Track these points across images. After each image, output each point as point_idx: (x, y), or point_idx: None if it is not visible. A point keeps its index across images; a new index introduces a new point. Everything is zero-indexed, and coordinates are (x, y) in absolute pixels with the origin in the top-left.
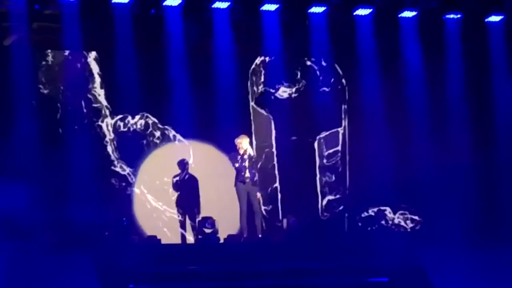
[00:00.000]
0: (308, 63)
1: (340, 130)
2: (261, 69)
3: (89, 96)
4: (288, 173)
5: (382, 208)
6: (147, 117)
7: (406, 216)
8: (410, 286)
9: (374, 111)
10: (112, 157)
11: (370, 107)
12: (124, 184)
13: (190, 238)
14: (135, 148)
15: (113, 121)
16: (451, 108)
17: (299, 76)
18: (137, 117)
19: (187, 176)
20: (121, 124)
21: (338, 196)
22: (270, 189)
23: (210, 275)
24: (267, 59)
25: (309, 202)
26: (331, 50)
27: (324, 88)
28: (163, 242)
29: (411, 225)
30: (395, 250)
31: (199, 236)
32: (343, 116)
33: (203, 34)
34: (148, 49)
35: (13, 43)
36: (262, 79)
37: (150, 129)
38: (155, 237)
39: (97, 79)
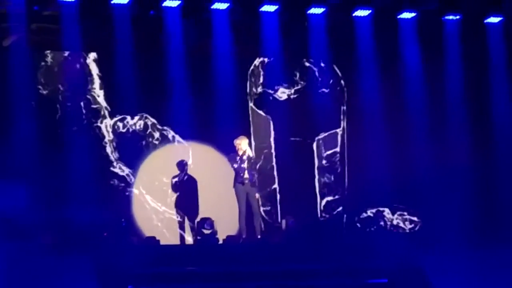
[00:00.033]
0: (307, 64)
1: (339, 131)
2: (260, 70)
3: (88, 97)
4: (287, 174)
5: (381, 209)
6: (146, 118)
7: (404, 217)
8: (409, 287)
9: (373, 112)
10: (111, 158)
11: (369, 108)
12: (123, 185)
13: (189, 239)
14: (134, 149)
15: (112, 122)
16: (450, 109)
17: (298, 77)
18: (136, 118)
19: (186, 177)
20: (120, 125)
21: (337, 197)
22: (269, 190)
23: (209, 276)
24: (266, 60)
25: (308, 203)
26: (330, 51)
27: (323, 89)
28: (162, 243)
29: (409, 226)
30: (394, 251)
31: (198, 237)
32: (342, 117)
33: (202, 35)
34: (147, 50)
35: (12, 44)
36: (261, 80)
37: (149, 130)
38: (154, 238)
39: (96, 80)
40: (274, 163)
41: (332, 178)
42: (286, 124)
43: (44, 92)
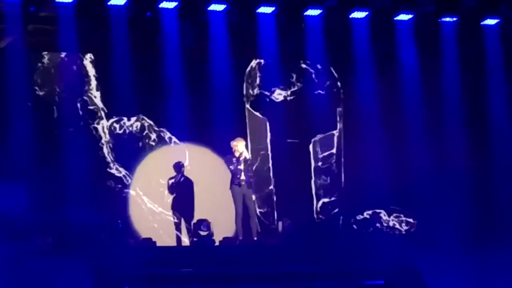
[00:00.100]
0: (304, 66)
1: (335, 132)
2: (257, 71)
3: (85, 98)
4: (283, 175)
5: (377, 210)
6: (143, 119)
7: (400, 218)
8: None
9: (369, 114)
10: (108, 159)
11: (366, 110)
12: (119, 186)
13: (186, 240)
14: (131, 150)
15: (109, 123)
16: (446, 111)
17: (294, 78)
18: (133, 119)
19: (182, 179)
20: (117, 126)
21: (333, 198)
22: (265, 191)
23: (205, 277)
24: (262, 61)
25: (304, 204)
26: (327, 53)
27: (320, 91)
28: (158, 244)
29: (405, 227)
30: (390, 252)
31: (195, 239)
32: (338, 119)
33: (199, 37)
34: (144, 51)
35: (8, 45)
36: (258, 82)
37: (146, 131)
38: (150, 239)
39: (93, 81)
40: (270, 165)
41: (329, 180)
42: (282, 126)
43: (41, 93)
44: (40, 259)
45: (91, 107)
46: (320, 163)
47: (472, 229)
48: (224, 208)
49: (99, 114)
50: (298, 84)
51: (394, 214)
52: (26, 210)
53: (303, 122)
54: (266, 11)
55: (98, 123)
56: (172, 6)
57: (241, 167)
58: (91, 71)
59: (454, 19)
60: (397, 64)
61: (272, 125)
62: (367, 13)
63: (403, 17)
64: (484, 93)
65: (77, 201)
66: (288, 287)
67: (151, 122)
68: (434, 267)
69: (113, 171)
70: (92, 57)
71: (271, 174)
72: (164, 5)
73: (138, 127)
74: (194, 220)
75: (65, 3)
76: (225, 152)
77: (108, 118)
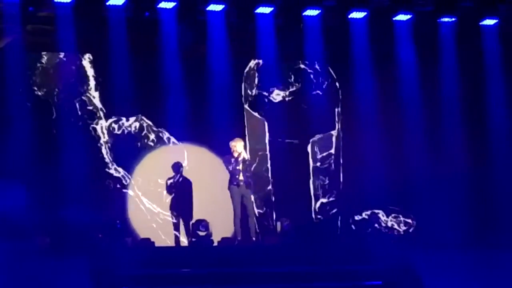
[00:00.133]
0: (302, 66)
1: (334, 133)
2: (255, 72)
3: (84, 98)
4: (281, 176)
5: (376, 211)
6: (141, 119)
7: (399, 219)
8: None
9: (367, 114)
10: (107, 159)
11: (364, 110)
12: (118, 186)
13: (184, 241)
14: (129, 150)
15: (107, 123)
16: (445, 111)
17: (293, 79)
18: (132, 119)
19: (181, 179)
20: (116, 126)
21: (331, 199)
22: (263, 192)
23: (204, 277)
24: (261, 62)
25: (303, 205)
26: (325, 53)
27: (318, 91)
28: (156, 244)
29: (404, 228)
30: (389, 253)
31: (193, 239)
32: (336, 119)
33: (198, 37)
34: (142, 51)
35: (7, 45)
36: (256, 82)
37: (145, 131)
38: (148, 239)
39: (92, 81)
40: (269, 165)
41: (327, 180)
42: (281, 126)
43: (40, 93)
44: (39, 258)
45: (90, 107)
46: (318, 163)
47: (470, 230)
48: (222, 209)
49: (98, 114)
50: (297, 84)
51: (393, 215)
52: (25, 210)
53: (301, 122)
54: (264, 11)
55: (97, 123)
56: (171, 6)
57: (240, 167)
58: (90, 71)
59: (453, 19)
60: (395, 64)
61: (271, 125)
62: (365, 13)
63: (402, 17)
64: (483, 93)
65: (76, 201)
66: (287, 287)
67: (150, 122)
68: (433, 267)
69: (112, 171)
70: (91, 57)
71: (270, 175)
72: (162, 5)
73: (137, 127)
74: (193, 221)
75: (64, 3)
76: (224, 152)
77: (107, 118)
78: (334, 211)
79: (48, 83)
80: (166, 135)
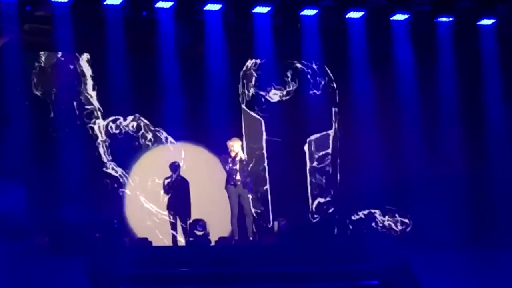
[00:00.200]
0: (299, 65)
1: (331, 132)
2: (252, 71)
3: (81, 97)
4: (278, 175)
5: (372, 210)
6: (139, 119)
7: (396, 218)
8: None
9: (364, 114)
10: (104, 159)
11: (361, 110)
12: (116, 185)
13: (181, 240)
14: (127, 149)
15: (105, 123)
16: (442, 111)
17: (290, 78)
18: (129, 119)
19: (178, 179)
20: (113, 126)
21: (328, 198)
22: (260, 191)
23: (201, 277)
24: (258, 61)
25: (300, 204)
26: (323, 53)
27: (315, 91)
28: (154, 244)
29: (400, 227)
30: (386, 252)
31: (190, 238)
32: (333, 118)
33: (195, 36)
34: (140, 51)
35: (5, 44)
36: (253, 82)
37: (142, 131)
38: (146, 239)
39: (89, 81)
40: (266, 165)
41: (324, 180)
42: (278, 126)
43: (37, 92)
44: (36, 258)
45: (88, 107)
46: (315, 163)
47: (467, 229)
48: (219, 208)
49: (95, 114)
50: (294, 84)
51: (389, 214)
52: (22, 209)
53: (298, 122)
54: (262, 11)
55: (94, 123)
56: (168, 6)
57: (237, 167)
58: (88, 70)
59: (450, 19)
60: (393, 64)
61: (268, 125)
62: (363, 13)
63: (399, 17)
64: (480, 93)
65: (73, 201)
66: (284, 287)
67: (147, 122)
68: (429, 267)
69: (109, 170)
70: (89, 56)
71: (267, 174)
72: (160, 4)
73: (134, 126)
74: (190, 220)
75: (61, 2)
76: (221, 152)
77: (104, 118)
78: (331, 210)
79: (46, 83)
80: (163, 134)
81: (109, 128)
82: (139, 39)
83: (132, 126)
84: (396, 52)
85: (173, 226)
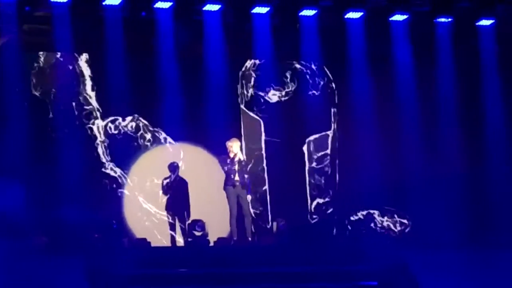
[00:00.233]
0: (298, 66)
1: (330, 133)
2: (252, 72)
3: (80, 98)
4: (277, 176)
5: (371, 211)
6: (138, 119)
7: (394, 219)
8: None
9: (363, 115)
10: (103, 159)
11: (360, 110)
12: (114, 186)
13: (180, 241)
14: (126, 150)
15: (104, 123)
16: (441, 111)
17: (289, 79)
18: (128, 119)
19: (177, 179)
20: (112, 126)
21: (327, 199)
22: (259, 192)
23: (200, 277)
24: (257, 62)
25: (298, 205)
26: (322, 53)
27: (314, 92)
28: (153, 244)
29: (399, 228)
30: (384, 253)
31: (189, 239)
32: (332, 119)
33: (194, 37)
34: (139, 51)
35: (4, 45)
36: (252, 82)
37: (141, 131)
38: (145, 239)
39: (88, 81)
40: (264, 165)
41: (323, 180)
42: (276, 126)
43: (36, 93)
44: (35, 258)
45: (87, 107)
46: (314, 164)
47: (465, 230)
48: (218, 209)
49: (94, 114)
50: (293, 84)
51: (388, 215)
52: (21, 209)
53: (297, 122)
54: (261, 12)
55: (93, 123)
56: (167, 6)
57: (235, 167)
58: (87, 71)
59: (449, 19)
60: (392, 64)
61: (267, 125)
62: (362, 13)
63: (398, 17)
64: (479, 94)
65: (72, 201)
66: None
67: (146, 122)
68: (428, 267)
69: (108, 171)
70: (88, 57)
71: (265, 175)
72: (159, 5)
73: (133, 127)
74: (189, 221)
75: (60, 3)
76: (220, 152)
77: (103, 118)
78: (330, 211)
79: (45, 83)
80: (162, 135)
81: (108, 128)
82: (138, 39)
83: (131, 127)
84: (395, 53)
85: (172, 227)
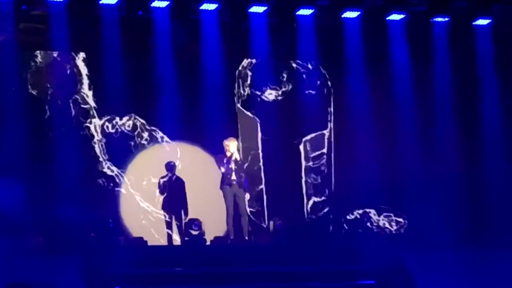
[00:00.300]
0: (295, 65)
1: (326, 132)
2: (248, 71)
3: (77, 97)
4: (273, 175)
5: (367, 210)
6: (135, 118)
7: (390, 218)
8: None
9: (360, 114)
10: (100, 158)
11: (356, 109)
12: (111, 184)
13: (177, 239)
14: (123, 149)
15: (101, 122)
16: (438, 111)
17: (285, 78)
18: (125, 118)
19: (174, 178)
20: (109, 125)
21: (323, 198)
22: (256, 191)
23: (197, 277)
24: (254, 61)
25: (295, 204)
26: (318, 53)
27: (310, 91)
28: (149, 243)
29: (395, 227)
30: (381, 252)
31: (186, 238)
32: (329, 118)
33: (191, 36)
34: (136, 50)
35: (0, 43)
36: (249, 81)
37: (138, 130)
38: (141, 238)
39: (85, 80)
40: (261, 164)
41: (319, 179)
42: (273, 125)
43: (33, 92)
44: (31, 257)
45: (83, 106)
46: (310, 163)
47: (462, 229)
48: (215, 208)
49: (91, 113)
50: (289, 83)
51: (384, 214)
52: (18, 208)
53: (293, 121)
54: (258, 11)
55: (90, 122)
56: (164, 5)
57: (232, 166)
58: (83, 70)
59: (446, 19)
60: (388, 64)
61: (263, 125)
62: (359, 13)
63: (395, 17)
64: (476, 93)
65: (69, 200)
66: (279, 287)
67: (143, 121)
68: (424, 267)
69: (105, 169)
70: (84, 56)
71: (262, 174)
72: (156, 4)
73: (130, 126)
74: (186, 220)
75: (57, 2)
76: (217, 151)
77: (100, 117)
78: (326, 210)
79: (42, 82)
80: (159, 133)
81: (105, 127)
82: (135, 38)
83: (128, 126)
84: (392, 52)
85: (169, 225)
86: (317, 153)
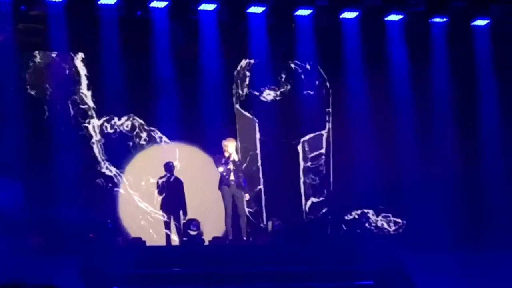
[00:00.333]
0: (293, 65)
1: (324, 132)
2: (246, 71)
3: (76, 97)
4: (272, 175)
5: (366, 210)
6: (133, 118)
7: (389, 218)
8: None
9: (358, 114)
10: (99, 158)
11: (355, 110)
12: (110, 185)
13: (175, 239)
14: (121, 149)
15: (99, 122)
16: (436, 111)
17: (284, 78)
18: (124, 118)
19: (172, 178)
20: (108, 125)
21: (321, 198)
22: (254, 191)
23: (195, 277)
24: (252, 61)
25: (293, 204)
26: (317, 53)
27: (309, 91)
28: (148, 244)
29: (394, 227)
30: (379, 252)
31: (184, 238)
32: (327, 119)
33: (190, 36)
34: (134, 50)
35: None
36: (247, 82)
37: (137, 130)
38: (140, 238)
39: (84, 80)
40: (259, 165)
41: (317, 180)
42: (271, 126)
43: (32, 92)
44: (30, 257)
45: (82, 106)
46: (309, 163)
47: (460, 229)
48: (213, 208)
49: (90, 113)
50: (287, 84)
51: (382, 214)
52: (16, 208)
53: (292, 122)
54: (256, 11)
55: (89, 122)
56: (163, 6)
57: (230, 167)
58: (82, 70)
59: (444, 19)
60: (387, 64)
61: (261, 125)
62: (357, 13)
63: (394, 17)
64: (474, 94)
65: (67, 200)
66: (278, 287)
67: (142, 121)
68: (423, 267)
69: (104, 170)
70: (83, 56)
71: (260, 174)
72: (154, 4)
73: (129, 126)
74: (184, 220)
75: (56, 2)
76: (215, 151)
77: (99, 117)
78: (324, 210)
79: (40, 82)
80: (157, 134)
81: (103, 127)
82: (134, 38)
83: (127, 126)
84: (390, 53)
85: (167, 226)
86: (315, 153)
